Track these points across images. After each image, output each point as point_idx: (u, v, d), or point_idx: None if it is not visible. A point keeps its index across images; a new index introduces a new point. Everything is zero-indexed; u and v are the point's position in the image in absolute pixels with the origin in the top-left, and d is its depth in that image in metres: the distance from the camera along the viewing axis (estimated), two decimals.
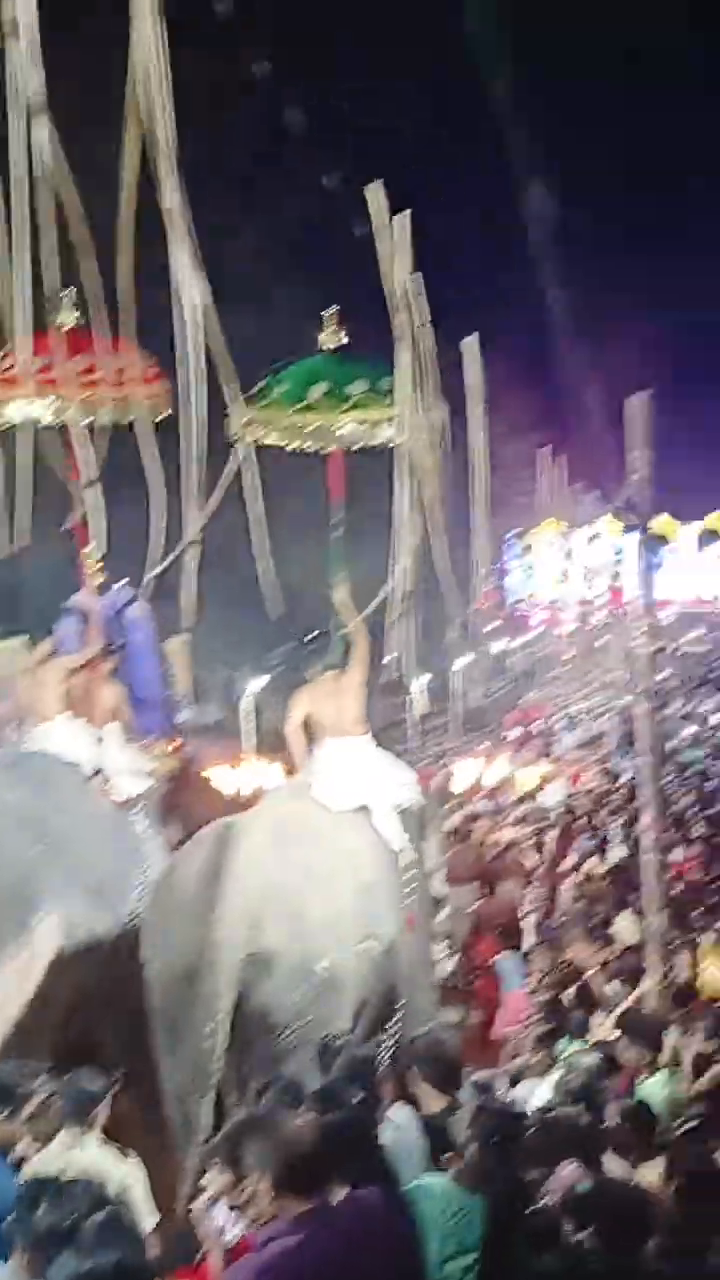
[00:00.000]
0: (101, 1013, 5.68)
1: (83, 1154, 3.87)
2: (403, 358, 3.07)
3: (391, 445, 6.85)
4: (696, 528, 38.19)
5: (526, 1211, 3.79)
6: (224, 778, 12.52)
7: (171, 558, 7.27)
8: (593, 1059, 5.38)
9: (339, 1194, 3.05)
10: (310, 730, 6.75)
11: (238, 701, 20.96)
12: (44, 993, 5.51)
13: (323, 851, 5.74)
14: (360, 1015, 5.44)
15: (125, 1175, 3.90)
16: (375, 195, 3.35)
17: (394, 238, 3.05)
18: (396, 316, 3.11)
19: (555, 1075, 5.32)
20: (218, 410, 7.25)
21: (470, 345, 3.90)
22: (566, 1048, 5.95)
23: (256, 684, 22.45)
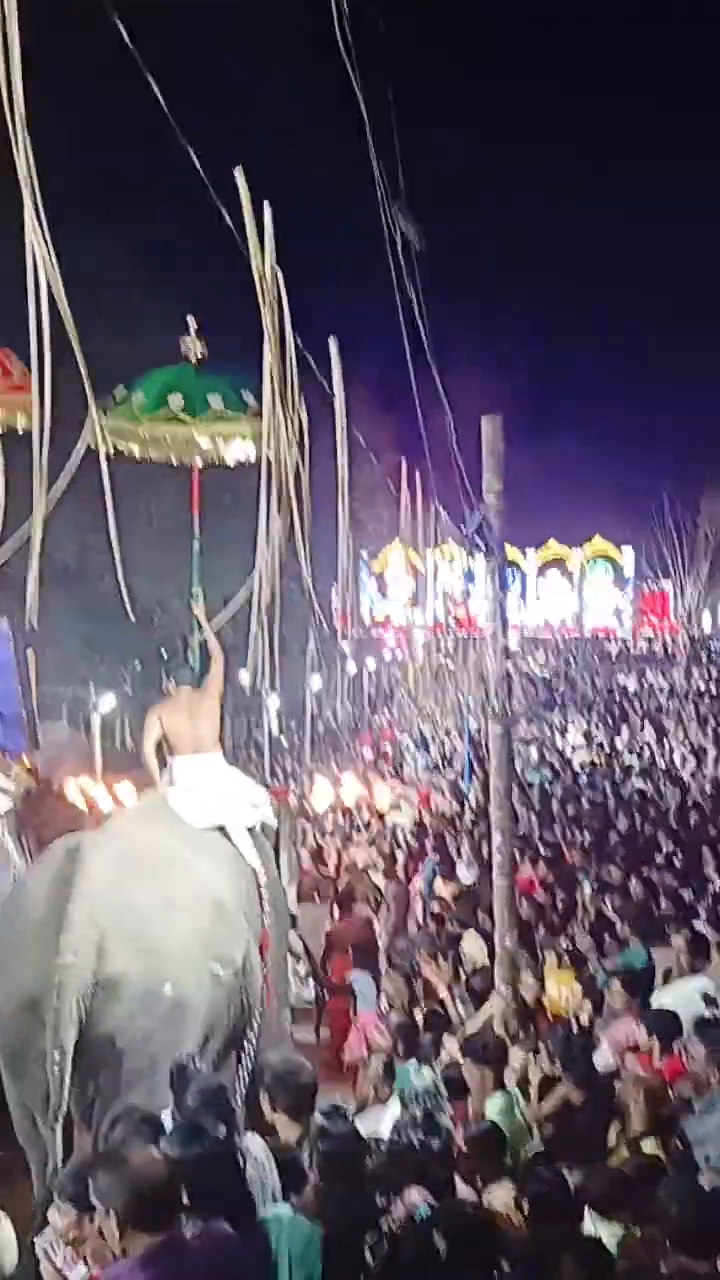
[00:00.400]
0: None
1: None
2: (267, 354, 3.02)
3: (250, 461, 6.76)
4: (535, 556, 39.52)
5: (369, 1240, 3.75)
6: (78, 793, 12.34)
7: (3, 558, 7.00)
8: (431, 1082, 5.42)
9: (189, 1228, 2.95)
10: (166, 746, 6.70)
11: (89, 717, 20.53)
12: None
13: (173, 872, 5.66)
14: (210, 1040, 5.37)
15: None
16: (239, 180, 3.28)
17: (259, 225, 2.99)
18: (262, 309, 3.06)
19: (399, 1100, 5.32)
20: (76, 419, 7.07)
21: (332, 345, 3.90)
22: (414, 1072, 5.95)
23: (107, 700, 22.03)
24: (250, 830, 6.57)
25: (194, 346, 7.41)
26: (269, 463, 3.29)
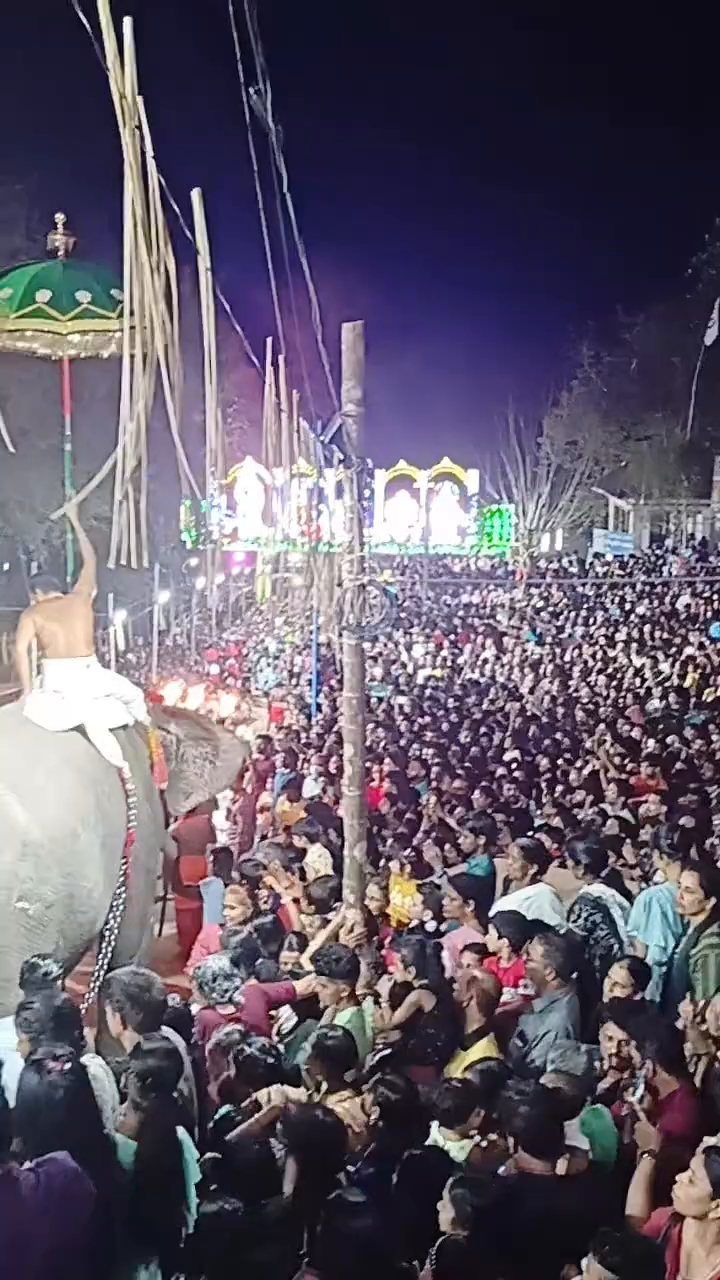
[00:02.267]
0: None
1: None
2: (129, 186, 2.79)
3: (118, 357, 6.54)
4: (382, 475, 39.58)
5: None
6: None
7: None
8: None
9: (22, 1159, 2.85)
10: (39, 650, 6.68)
11: None
12: None
13: None
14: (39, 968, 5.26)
15: None
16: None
17: (119, 38, 2.72)
18: (122, 134, 2.81)
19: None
20: None
21: (195, 198, 3.65)
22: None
23: None
24: (124, 729, 6.62)
25: (62, 241, 7.37)
26: (131, 312, 3.08)
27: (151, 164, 3.02)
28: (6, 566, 30.63)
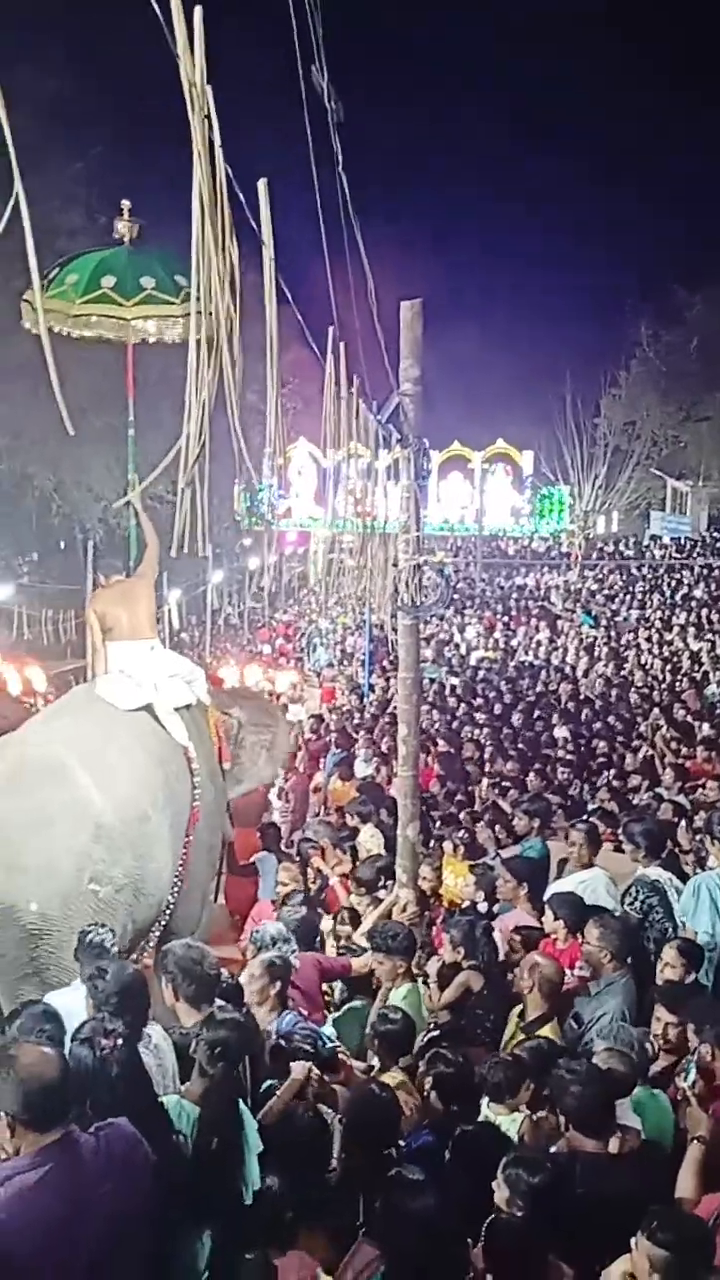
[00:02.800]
0: None
1: None
2: (197, 173, 2.77)
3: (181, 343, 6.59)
4: (436, 456, 39.39)
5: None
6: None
7: None
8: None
9: (82, 1125, 2.90)
10: (104, 634, 6.78)
11: None
12: None
13: (58, 791, 5.65)
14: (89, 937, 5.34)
15: None
16: None
17: (189, 28, 2.70)
18: (192, 123, 2.80)
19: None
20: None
21: (261, 189, 3.62)
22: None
23: (4, 590, 21.52)
24: (188, 708, 6.71)
25: (126, 227, 7.43)
26: (197, 299, 3.08)
27: (219, 152, 3.01)
28: (63, 545, 30.99)
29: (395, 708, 9.06)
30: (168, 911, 6.16)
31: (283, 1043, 4.65)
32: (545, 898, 6.19)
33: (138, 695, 6.45)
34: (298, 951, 5.61)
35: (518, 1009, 5.17)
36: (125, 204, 7.61)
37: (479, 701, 15.96)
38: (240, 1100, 3.74)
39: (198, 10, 2.76)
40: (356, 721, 14.99)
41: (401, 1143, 4.04)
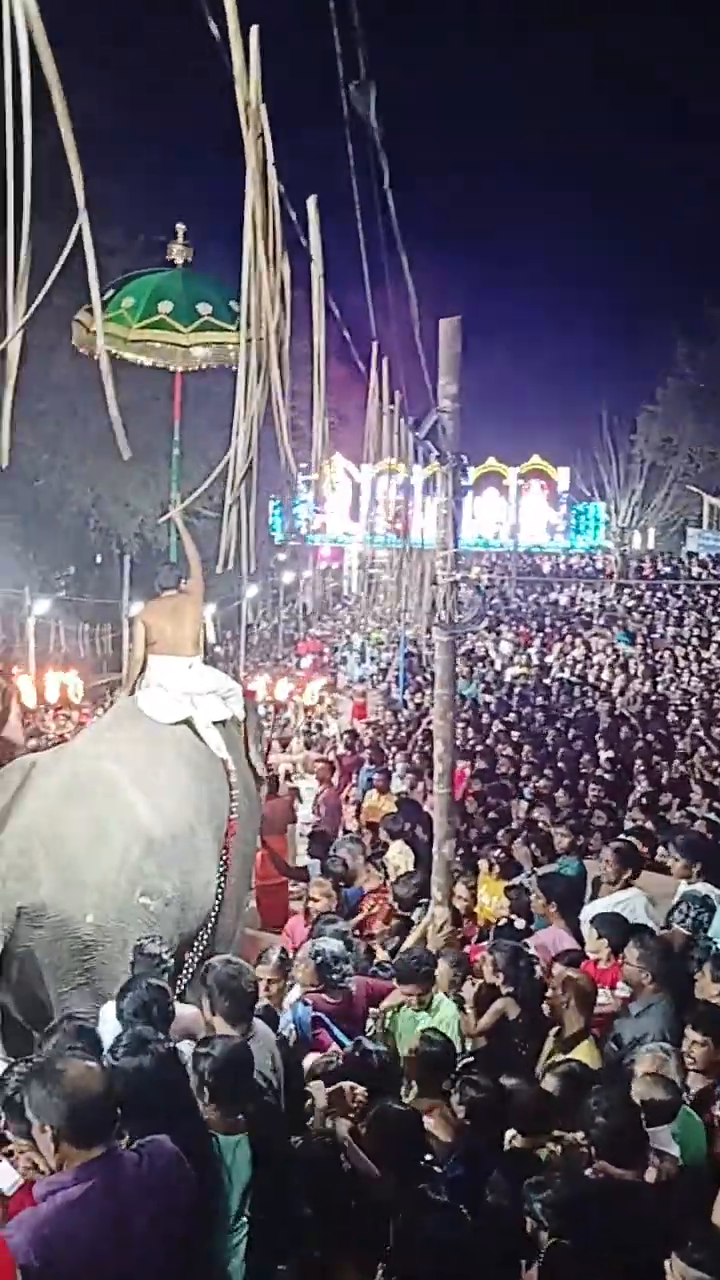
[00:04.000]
0: None
1: None
2: (250, 193, 2.77)
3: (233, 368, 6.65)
4: (471, 472, 39.34)
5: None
6: (41, 687, 12.61)
7: None
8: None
9: (124, 1142, 2.90)
10: (147, 645, 6.86)
11: (24, 621, 20.33)
12: None
13: (110, 805, 5.73)
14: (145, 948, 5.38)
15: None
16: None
17: (245, 50, 2.71)
18: (246, 141, 2.80)
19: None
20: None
21: (311, 207, 3.62)
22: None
23: (42, 605, 21.74)
24: (222, 723, 6.77)
25: (181, 252, 7.46)
26: (247, 318, 3.08)
27: (272, 171, 3.02)
28: (99, 560, 31.23)
29: (430, 723, 9.04)
30: (210, 924, 6.19)
31: (294, 1031, 4.65)
32: (586, 917, 6.13)
33: (177, 709, 6.52)
34: (352, 975, 5.60)
35: (555, 1029, 5.11)
36: (180, 227, 7.62)
37: (514, 718, 15.89)
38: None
39: (254, 29, 2.78)
40: (390, 737, 14.97)
41: (439, 1169, 4.00)
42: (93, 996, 5.13)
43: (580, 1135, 4.08)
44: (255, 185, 2.90)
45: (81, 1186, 2.69)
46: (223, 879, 6.33)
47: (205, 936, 6.17)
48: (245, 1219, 3.43)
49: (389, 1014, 5.47)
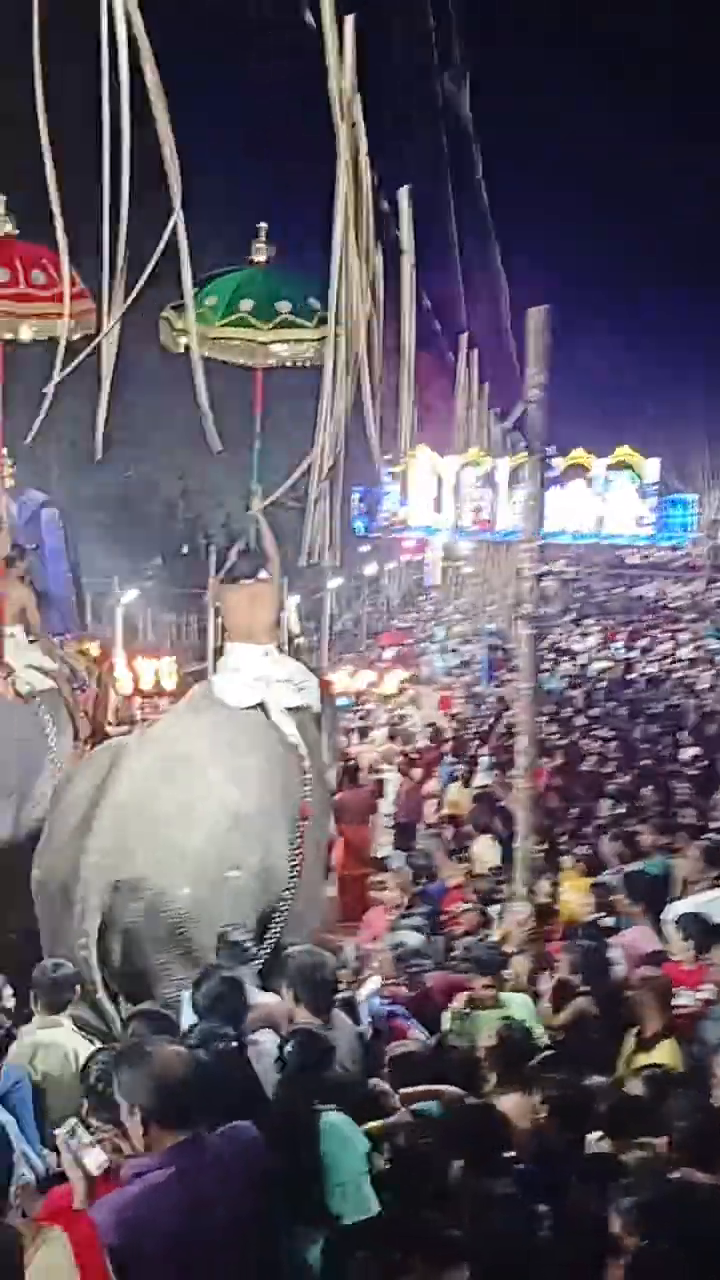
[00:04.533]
0: (9, 910, 6.07)
1: (56, 1034, 4.42)
2: (342, 182, 2.77)
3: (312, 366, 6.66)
4: (558, 463, 38.86)
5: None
6: (131, 672, 12.94)
7: None
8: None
9: (211, 1127, 2.93)
10: (225, 633, 7.03)
11: (113, 610, 20.76)
12: None
13: (196, 784, 5.94)
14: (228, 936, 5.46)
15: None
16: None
17: (339, 38, 2.71)
18: (339, 129, 2.80)
19: None
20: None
21: (402, 197, 3.59)
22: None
23: (130, 594, 22.17)
24: (295, 709, 6.86)
25: (264, 249, 7.51)
26: (336, 312, 3.08)
27: (366, 163, 3.02)
28: (185, 550, 31.66)
29: (512, 717, 8.97)
30: (285, 906, 6.28)
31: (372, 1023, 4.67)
32: (670, 917, 6.03)
33: (250, 695, 6.66)
34: (430, 970, 5.63)
35: (634, 1029, 5.04)
36: (262, 226, 7.68)
37: (598, 713, 15.70)
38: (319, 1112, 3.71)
39: (349, 20, 2.78)
40: (473, 730, 14.91)
41: (521, 1165, 3.97)
42: (192, 964, 5.29)
43: (664, 1139, 4.03)
44: (348, 176, 2.91)
45: (166, 1170, 2.74)
46: (297, 861, 6.43)
47: (278, 920, 6.26)
48: (324, 1208, 3.45)
49: (465, 1008, 5.44)
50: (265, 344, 7.32)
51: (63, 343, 4.68)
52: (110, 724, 8.65)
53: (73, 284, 6.61)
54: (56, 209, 3.47)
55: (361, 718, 16.78)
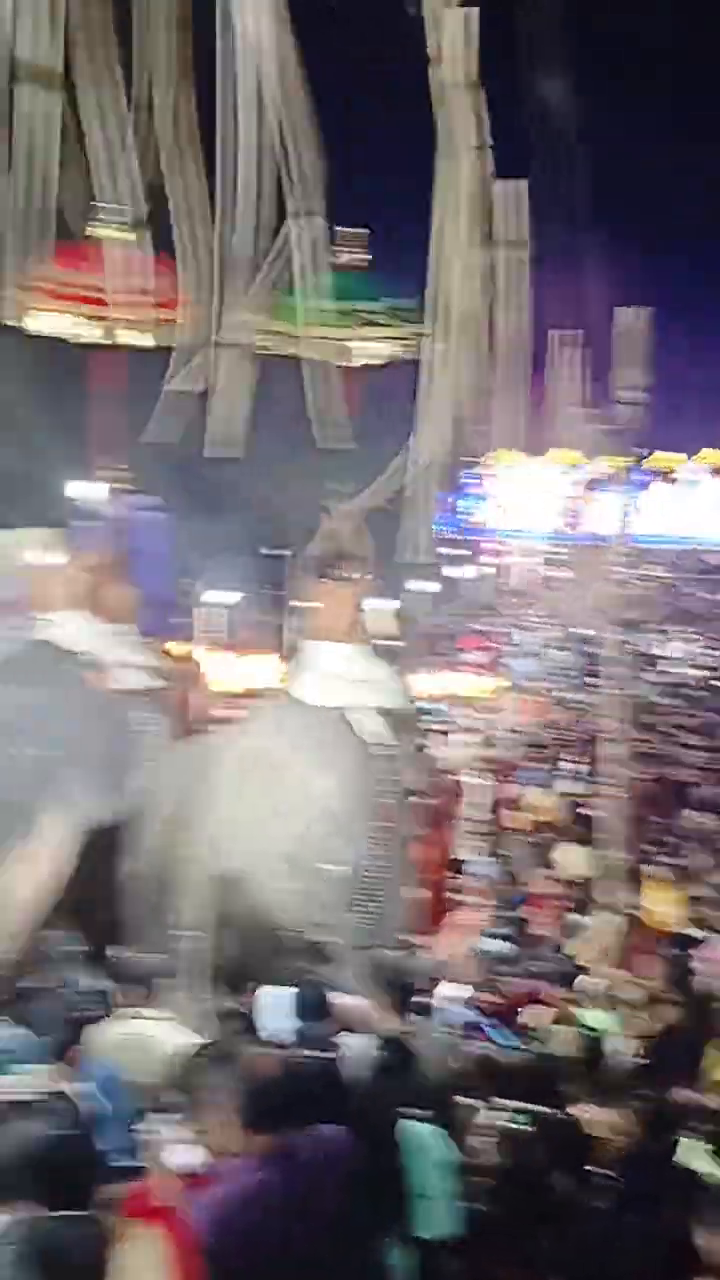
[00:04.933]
0: (105, 900, 6.08)
1: (145, 1025, 4.37)
2: (464, 170, 2.75)
3: (403, 361, 6.72)
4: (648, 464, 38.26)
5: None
6: (218, 671, 13.14)
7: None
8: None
9: (303, 1131, 2.93)
10: (306, 632, 7.09)
11: (209, 609, 21.08)
12: (52, 881, 5.88)
13: (285, 781, 6.07)
14: (315, 936, 5.51)
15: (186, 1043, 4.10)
16: None
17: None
18: (455, 116, 2.79)
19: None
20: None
21: (522, 188, 3.54)
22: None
23: (216, 593, 22.44)
24: (377, 710, 6.85)
25: (355, 251, 7.54)
26: (444, 303, 3.07)
27: (489, 155, 3.01)
28: (280, 550, 31.84)
29: (599, 723, 8.84)
30: (368, 908, 6.31)
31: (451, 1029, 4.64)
32: None
33: (330, 695, 6.69)
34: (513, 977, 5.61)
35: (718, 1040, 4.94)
36: (349, 230, 7.74)
37: (685, 720, 15.42)
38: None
39: (474, 11, 2.76)
40: (556, 735, 14.75)
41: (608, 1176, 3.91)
42: (281, 961, 5.37)
43: None
44: (470, 167, 2.88)
45: (260, 1173, 2.75)
46: (379, 863, 6.45)
47: (363, 922, 6.29)
48: (412, 1214, 3.44)
49: (549, 1018, 5.39)
50: (351, 344, 7.37)
51: (177, 348, 4.76)
52: (201, 722, 8.76)
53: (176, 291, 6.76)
54: (179, 220, 3.49)
55: (442, 721, 16.72)
